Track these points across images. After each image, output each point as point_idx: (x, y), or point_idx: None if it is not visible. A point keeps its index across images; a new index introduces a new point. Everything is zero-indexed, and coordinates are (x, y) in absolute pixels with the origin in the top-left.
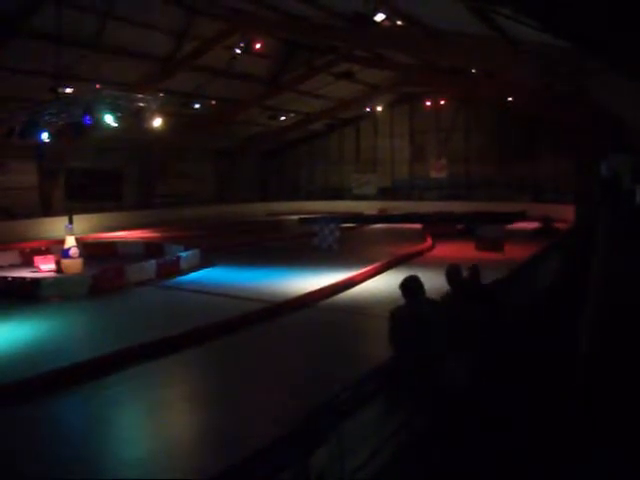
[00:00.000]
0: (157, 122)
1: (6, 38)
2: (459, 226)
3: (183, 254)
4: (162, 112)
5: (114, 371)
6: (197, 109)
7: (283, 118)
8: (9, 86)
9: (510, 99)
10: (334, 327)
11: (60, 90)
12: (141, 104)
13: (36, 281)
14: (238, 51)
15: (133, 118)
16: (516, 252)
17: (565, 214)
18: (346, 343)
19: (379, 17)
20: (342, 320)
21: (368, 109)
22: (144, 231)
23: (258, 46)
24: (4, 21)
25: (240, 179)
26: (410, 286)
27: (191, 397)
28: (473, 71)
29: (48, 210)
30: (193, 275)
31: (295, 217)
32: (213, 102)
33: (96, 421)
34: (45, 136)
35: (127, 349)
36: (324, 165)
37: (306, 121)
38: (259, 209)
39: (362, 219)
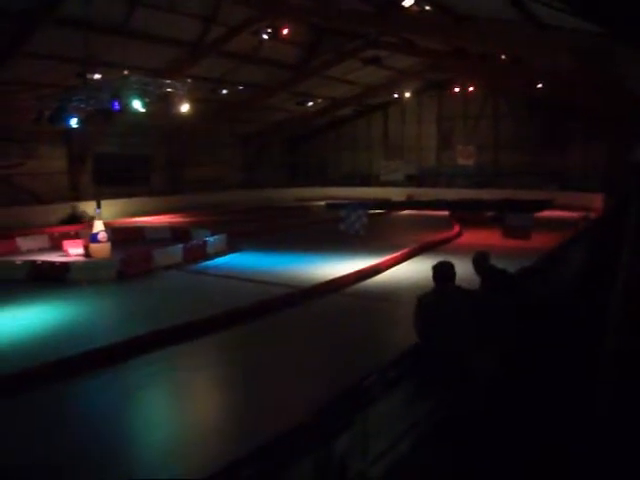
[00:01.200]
0: (185, 107)
1: (35, 25)
2: (489, 214)
3: (210, 239)
4: (190, 98)
5: (141, 354)
6: (225, 95)
7: (311, 104)
8: (38, 72)
9: (539, 86)
10: (360, 314)
11: (88, 76)
12: (169, 89)
13: (65, 265)
14: (265, 37)
15: (161, 103)
16: (543, 240)
17: (593, 203)
18: (371, 330)
19: (408, 2)
20: (368, 307)
21: (396, 95)
22: (171, 216)
23: (285, 32)
24: (33, 8)
25: (268, 165)
26: (442, 270)
27: (216, 381)
28: (502, 57)
29: (77, 195)
30: (219, 260)
31: (322, 203)
32: (241, 88)
33: (120, 403)
34: (74, 121)
35: (154, 332)
36: (351, 151)
37: (334, 107)
38: (287, 195)
39: (390, 205)
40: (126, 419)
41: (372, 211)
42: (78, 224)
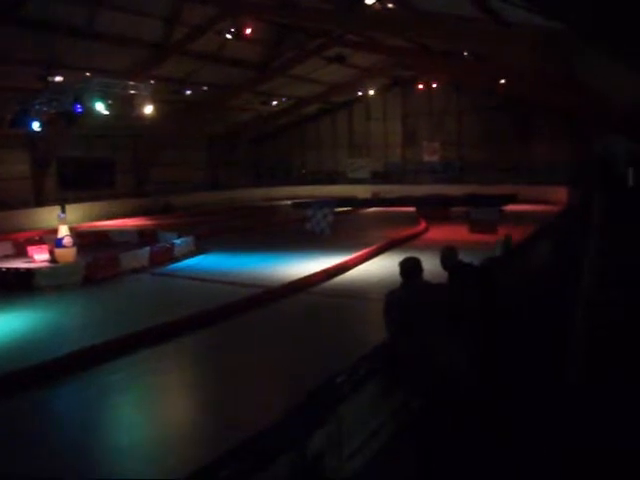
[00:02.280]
0: (149, 109)
1: None
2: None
3: (177, 241)
4: (154, 99)
5: (111, 359)
6: (189, 95)
7: (275, 103)
8: None
9: (503, 82)
10: (329, 312)
11: (50, 79)
12: (132, 91)
13: (30, 271)
14: (229, 36)
15: (124, 105)
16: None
17: (558, 196)
18: (340, 327)
19: (370, 0)
20: (337, 304)
21: (360, 93)
22: (138, 219)
23: (249, 31)
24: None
25: (233, 165)
26: (407, 266)
27: (189, 383)
28: (465, 54)
29: (40, 200)
30: (187, 262)
31: (289, 202)
32: (205, 88)
33: (93, 408)
34: (36, 125)
35: (123, 337)
36: (317, 149)
37: (298, 106)
38: (253, 194)
39: (356, 203)
40: (98, 424)
41: (338, 209)
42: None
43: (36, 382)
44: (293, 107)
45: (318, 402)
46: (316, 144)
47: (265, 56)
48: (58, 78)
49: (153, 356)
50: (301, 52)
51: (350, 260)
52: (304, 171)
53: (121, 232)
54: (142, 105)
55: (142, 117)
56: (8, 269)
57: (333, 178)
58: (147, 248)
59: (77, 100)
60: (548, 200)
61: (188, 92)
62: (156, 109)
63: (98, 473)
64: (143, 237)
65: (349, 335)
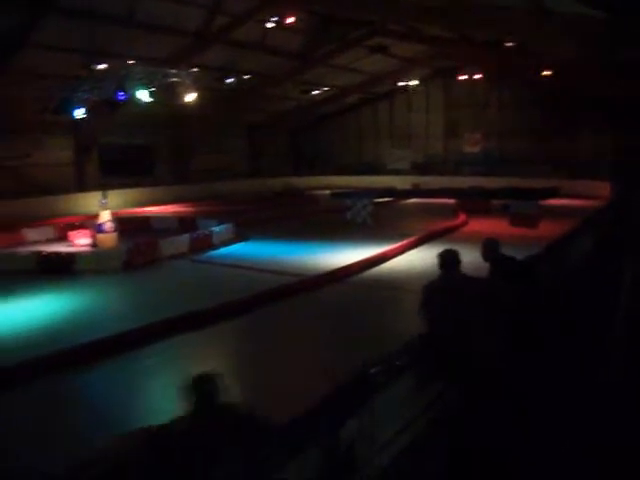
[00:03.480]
0: (190, 97)
1: (41, 16)
2: (499, 202)
3: (216, 228)
4: (195, 87)
5: (148, 343)
6: (230, 84)
7: (316, 92)
8: (44, 63)
9: (546, 73)
10: (367, 302)
11: (93, 67)
12: (174, 79)
13: (71, 255)
14: (271, 25)
15: (166, 93)
16: (551, 228)
17: (601, 191)
18: (378, 318)
19: None
20: (375, 295)
21: (402, 83)
22: (178, 206)
23: (291, 20)
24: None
25: (273, 154)
26: (447, 258)
27: (223, 369)
28: (508, 45)
29: (83, 185)
30: (226, 249)
31: (328, 192)
32: (246, 77)
33: (125, 390)
34: (79, 112)
35: (158, 322)
36: (357, 140)
37: (339, 95)
38: (292, 183)
39: (395, 194)
40: (132, 407)
41: (378, 200)
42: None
43: (73, 365)
44: (334, 97)
45: (351, 392)
46: (357, 134)
47: (306, 46)
48: (101, 66)
49: (188, 342)
50: (343, 42)
51: (389, 251)
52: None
53: (161, 219)
54: (184, 93)
55: (183, 105)
56: (50, 253)
57: (373, 169)
58: (187, 235)
59: (120, 87)
60: (591, 195)
61: (229, 80)
62: (198, 97)
63: None
64: (183, 224)
65: (386, 326)
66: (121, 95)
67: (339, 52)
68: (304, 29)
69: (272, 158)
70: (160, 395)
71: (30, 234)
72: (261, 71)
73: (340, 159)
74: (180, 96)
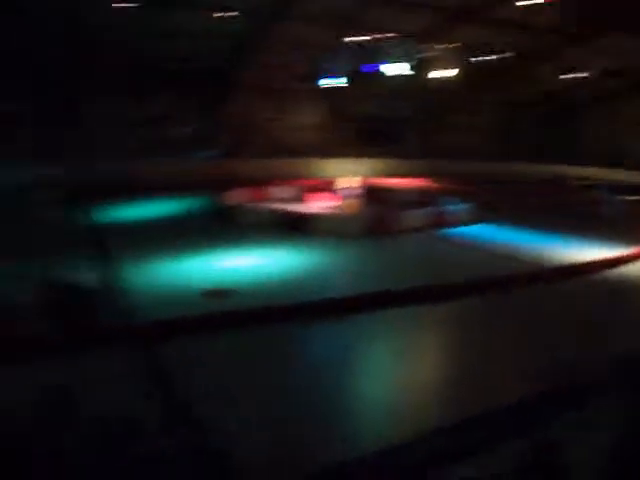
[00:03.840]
0: (443, 73)
1: None
2: None
3: (457, 207)
4: (448, 63)
5: (371, 310)
6: (485, 61)
7: (575, 75)
8: (300, 34)
9: None
10: (604, 302)
11: (350, 38)
12: (428, 54)
13: (314, 216)
14: (532, 1)
15: (420, 68)
16: None
17: None
18: (614, 322)
19: None
20: (616, 296)
21: None
22: (422, 180)
23: None
24: None
25: (524, 137)
26: None
27: (444, 348)
28: None
29: (332, 151)
30: (464, 229)
31: (576, 182)
32: (501, 55)
33: (345, 353)
34: (334, 81)
35: (391, 291)
36: (623, 129)
37: (604, 79)
38: (542, 170)
39: None
40: (349, 369)
41: (633, 197)
42: None
43: (302, 319)
44: (598, 80)
45: (574, 389)
46: (623, 123)
47: (570, 24)
48: (358, 37)
49: (415, 314)
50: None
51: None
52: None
53: (404, 191)
54: (436, 68)
55: (436, 80)
56: (295, 211)
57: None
58: (427, 209)
59: (375, 60)
60: None
61: (485, 58)
62: (449, 74)
63: (336, 412)
64: (425, 199)
65: (623, 332)
66: (376, 67)
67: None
68: (568, 6)
69: (520, 141)
70: (379, 363)
71: (279, 192)
72: (517, 50)
73: (600, 149)
74: (432, 72)
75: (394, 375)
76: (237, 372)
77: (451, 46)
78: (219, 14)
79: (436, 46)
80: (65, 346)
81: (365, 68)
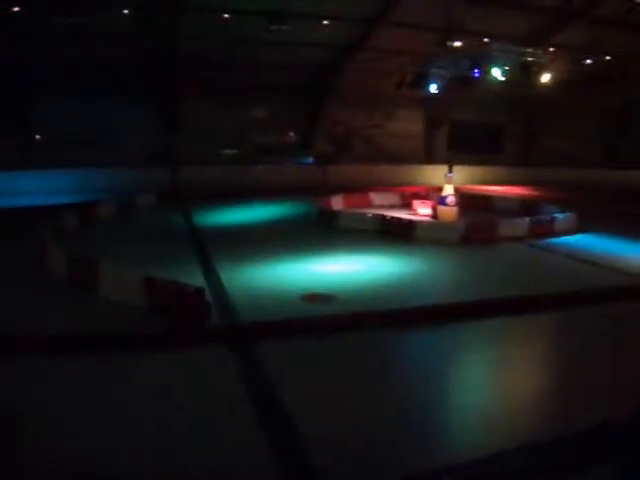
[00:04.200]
0: (545, 77)
1: None
2: None
3: (559, 216)
4: (551, 67)
5: (470, 319)
6: (588, 65)
7: None
8: (400, 40)
9: None
10: None
11: (449, 43)
12: (530, 58)
13: (412, 223)
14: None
15: (521, 73)
16: None
17: None
18: None
19: None
20: None
21: None
22: (521, 188)
23: None
24: None
25: (631, 144)
26: None
27: (540, 359)
28: None
29: (430, 158)
30: (566, 239)
31: None
32: (607, 58)
33: (440, 361)
34: (433, 88)
35: (488, 300)
36: None
37: None
38: None
39: None
40: (444, 377)
41: None
42: None
43: (394, 324)
44: None
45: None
46: None
47: None
48: (457, 43)
49: (513, 324)
50: None
51: None
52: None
53: (503, 199)
54: (539, 73)
55: (537, 85)
56: (393, 218)
57: None
58: (527, 219)
59: (474, 65)
60: None
61: (588, 61)
62: (552, 78)
63: (430, 419)
64: (525, 207)
65: None
66: (475, 72)
67: None
68: None
69: (629, 149)
70: (474, 372)
71: (377, 198)
72: (625, 51)
73: None
74: (535, 76)
75: (490, 385)
76: (334, 376)
77: (553, 50)
78: (320, 22)
79: (538, 50)
80: (177, 342)
81: (467, 74)
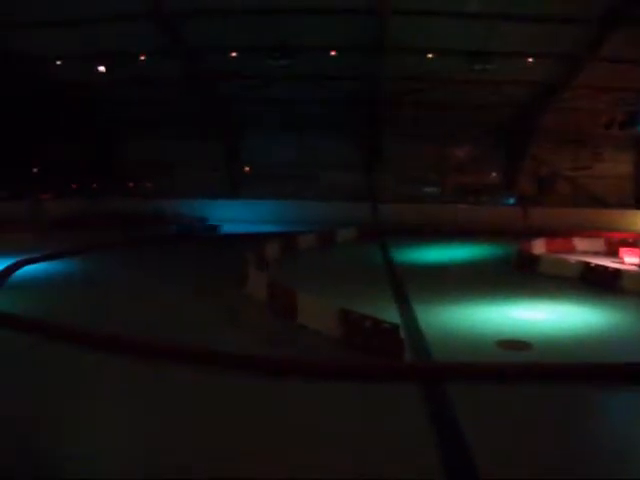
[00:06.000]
0: None
1: (612, 29)
2: None
3: None
4: None
5: None
6: None
7: None
8: (608, 76)
9: None
10: None
11: None
12: None
13: (618, 272)
14: None
15: None
16: None
17: None
18: None
19: None
20: None
21: None
22: None
23: None
24: (614, 10)
25: None
26: None
27: None
28: None
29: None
30: None
31: None
32: None
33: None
34: None
35: None
36: None
37: None
38: None
39: None
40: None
41: None
42: None
43: (598, 381)
44: None
45: None
46: None
47: None
48: None
49: None
50: None
51: None
52: None
53: None
54: None
55: None
56: (597, 265)
57: None
58: None
59: None
60: None
61: None
62: None
63: None
64: None
65: None
66: None
67: None
68: None
69: None
70: None
71: (580, 244)
72: None
73: None
74: None
75: None
76: (525, 428)
77: None
78: (525, 60)
79: None
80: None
81: None
